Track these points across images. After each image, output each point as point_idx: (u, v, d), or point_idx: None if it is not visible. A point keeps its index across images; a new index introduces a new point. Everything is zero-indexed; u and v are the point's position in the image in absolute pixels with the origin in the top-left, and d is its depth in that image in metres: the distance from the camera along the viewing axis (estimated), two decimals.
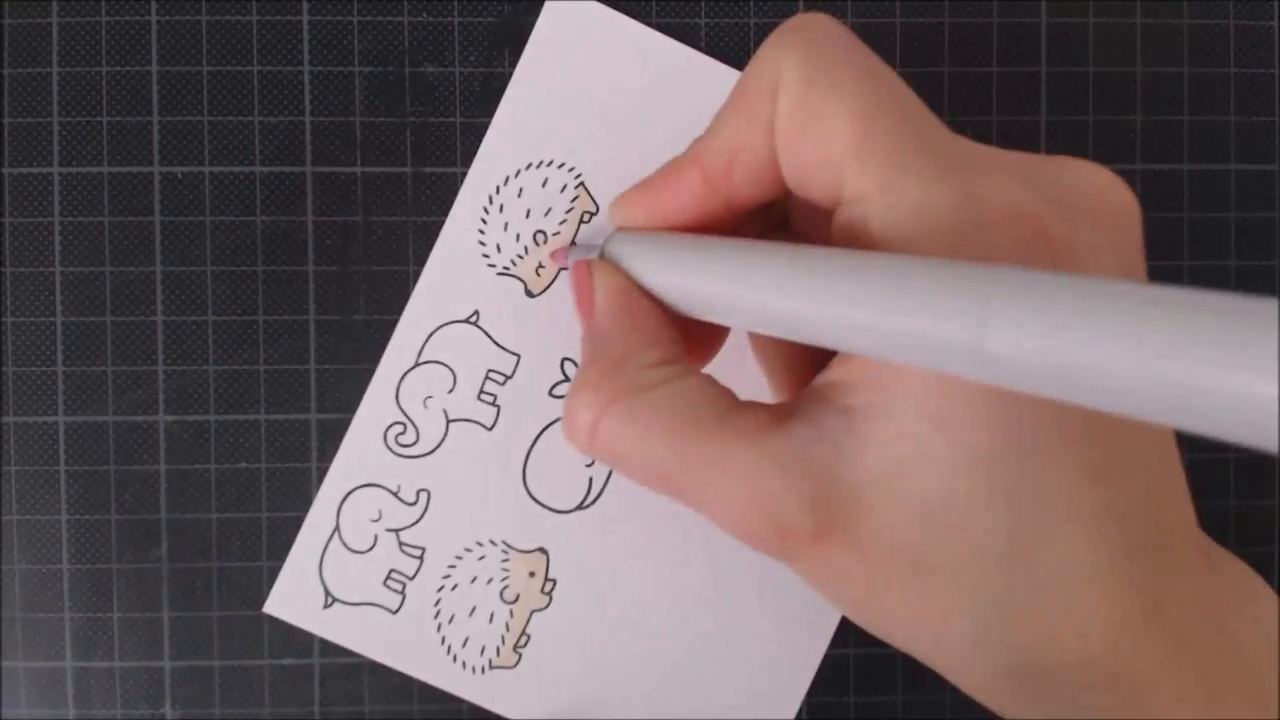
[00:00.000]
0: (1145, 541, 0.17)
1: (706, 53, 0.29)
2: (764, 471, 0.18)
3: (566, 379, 0.29)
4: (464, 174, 0.29)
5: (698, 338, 0.23)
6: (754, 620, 0.29)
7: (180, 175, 0.29)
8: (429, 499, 0.29)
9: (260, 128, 0.29)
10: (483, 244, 0.29)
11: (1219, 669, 0.17)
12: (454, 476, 0.29)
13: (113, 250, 0.29)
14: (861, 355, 0.17)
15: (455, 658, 0.29)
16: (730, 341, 0.25)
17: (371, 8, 0.29)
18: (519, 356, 0.29)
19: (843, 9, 0.29)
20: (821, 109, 0.18)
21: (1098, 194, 0.18)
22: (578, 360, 0.29)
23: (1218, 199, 0.30)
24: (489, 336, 0.29)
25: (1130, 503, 0.17)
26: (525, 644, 0.29)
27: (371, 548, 0.29)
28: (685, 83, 0.29)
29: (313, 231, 0.29)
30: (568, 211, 0.29)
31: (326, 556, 0.29)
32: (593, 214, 0.29)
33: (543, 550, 0.29)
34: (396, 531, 0.29)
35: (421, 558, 0.29)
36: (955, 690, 0.28)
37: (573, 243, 0.29)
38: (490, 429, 0.29)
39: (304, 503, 0.29)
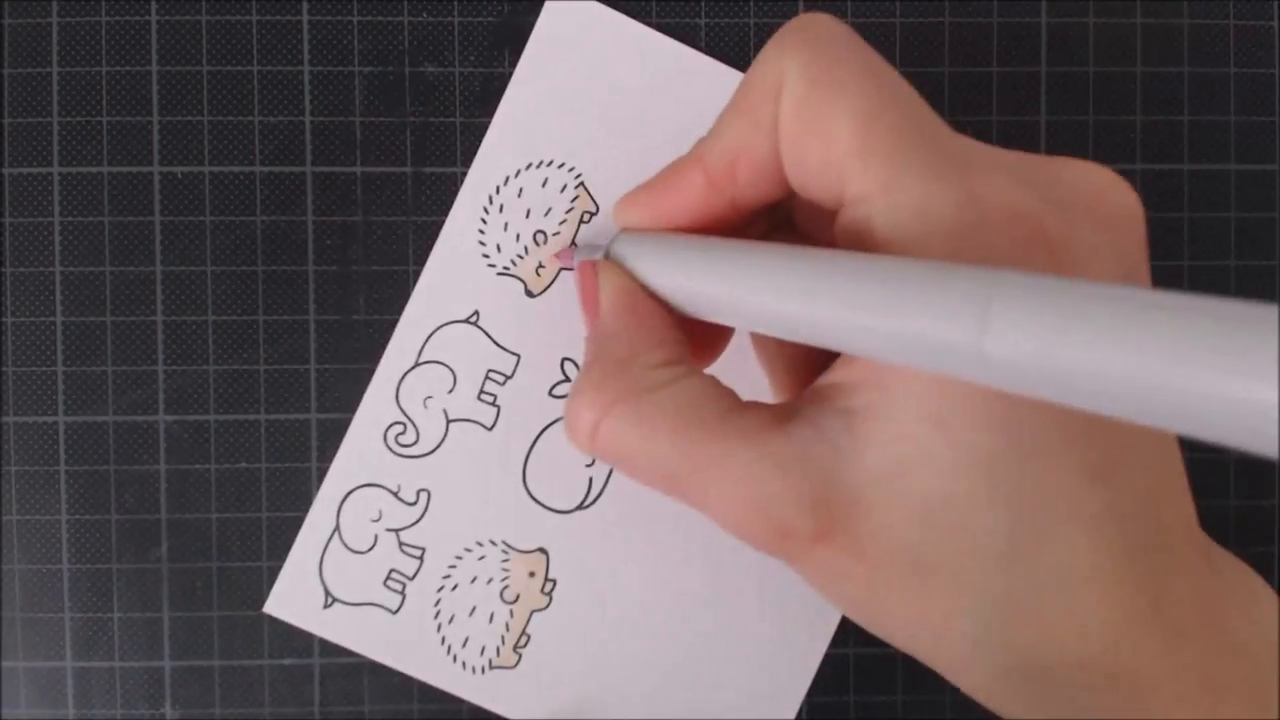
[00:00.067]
0: (1145, 542, 0.17)
1: (706, 53, 0.29)
2: (764, 472, 0.18)
3: (567, 379, 0.29)
4: (464, 174, 0.29)
5: (702, 338, 0.23)
6: (754, 620, 0.29)
7: (180, 175, 0.29)
8: (429, 499, 0.29)
9: (260, 128, 0.29)
10: (483, 244, 0.29)
11: (1219, 669, 0.17)
12: (454, 476, 0.29)
13: (113, 250, 0.29)
14: (862, 357, 0.17)
15: (455, 658, 0.29)
16: (733, 342, 0.25)
17: (371, 8, 0.29)
18: (519, 356, 0.29)
19: (843, 9, 0.29)
20: (824, 109, 0.18)
21: (1098, 194, 0.18)
22: (578, 360, 0.29)
23: (1218, 199, 0.30)
24: (489, 336, 0.29)
25: (1130, 503, 0.17)
26: (525, 644, 0.29)
27: (371, 548, 0.29)
28: (685, 83, 0.29)
29: (313, 231, 0.29)
30: (568, 211, 0.29)
31: (326, 556, 0.29)
32: (593, 214, 0.29)
33: (543, 550, 0.29)
34: (396, 531, 0.29)
35: (421, 558, 0.29)
36: (955, 690, 0.28)
37: (573, 243, 0.29)
38: (490, 429, 0.29)
39: (304, 503, 0.29)
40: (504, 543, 0.29)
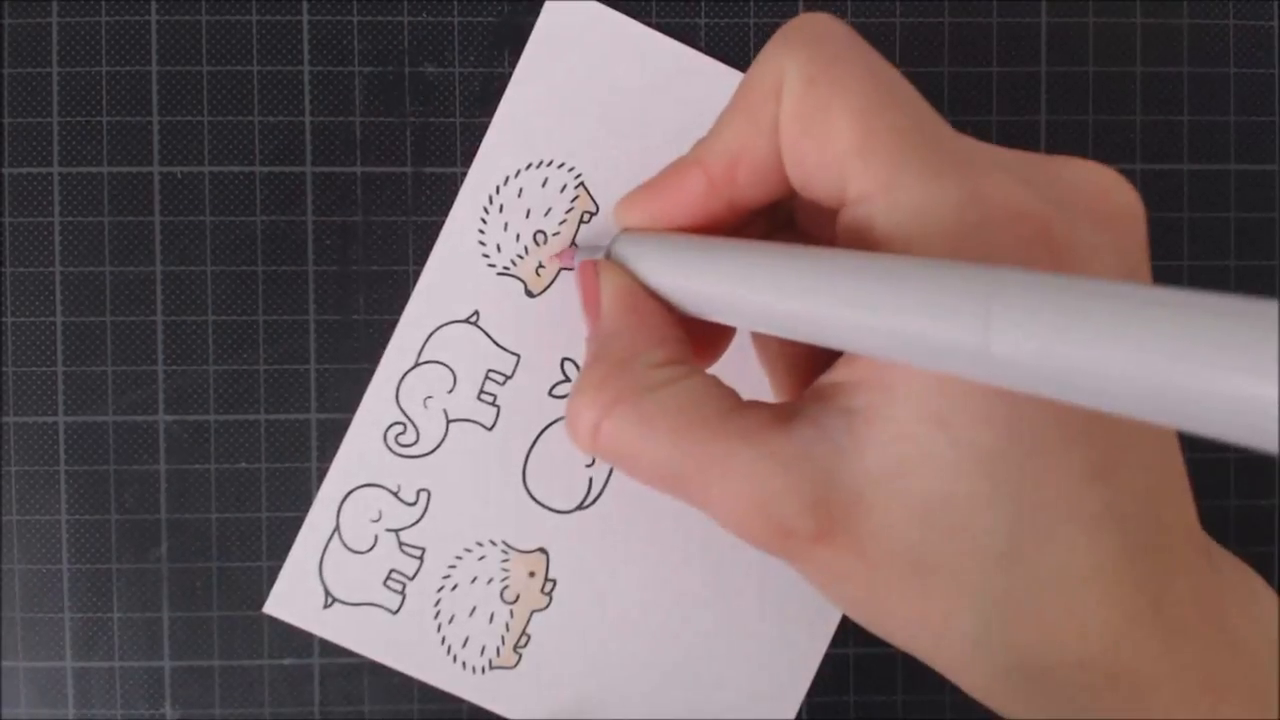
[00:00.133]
0: (1146, 541, 0.17)
1: (706, 53, 0.29)
2: (765, 471, 0.18)
3: (567, 379, 0.29)
4: (464, 174, 0.29)
5: (703, 338, 0.23)
6: (754, 620, 0.29)
7: (180, 175, 0.29)
8: (429, 499, 0.29)
9: (260, 128, 0.29)
10: (483, 244, 0.29)
11: (1220, 668, 0.17)
12: (454, 476, 0.29)
13: (113, 250, 0.29)
14: (864, 355, 0.17)
15: (455, 658, 0.29)
16: (734, 342, 0.25)
17: (371, 8, 0.29)
18: (519, 356, 0.29)
19: (842, 9, 0.29)
20: (824, 109, 0.18)
21: (1100, 193, 0.18)
22: (578, 360, 0.29)
23: (1218, 199, 0.30)
24: (489, 336, 0.29)
25: (1131, 502, 0.17)
26: (525, 644, 0.29)
27: (371, 548, 0.29)
28: (685, 83, 0.29)
29: (313, 231, 0.29)
30: (568, 211, 0.29)
31: (326, 556, 0.29)
32: (593, 214, 0.29)
33: (543, 550, 0.29)
34: (396, 531, 0.29)
35: (421, 558, 0.29)
36: (955, 690, 0.28)
37: (573, 243, 0.29)
38: (490, 429, 0.29)
39: (304, 503, 0.29)
40: (504, 543, 0.29)
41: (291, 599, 0.29)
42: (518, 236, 0.29)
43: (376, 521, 0.29)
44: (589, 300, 0.22)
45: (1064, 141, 0.29)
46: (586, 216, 0.29)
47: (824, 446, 0.18)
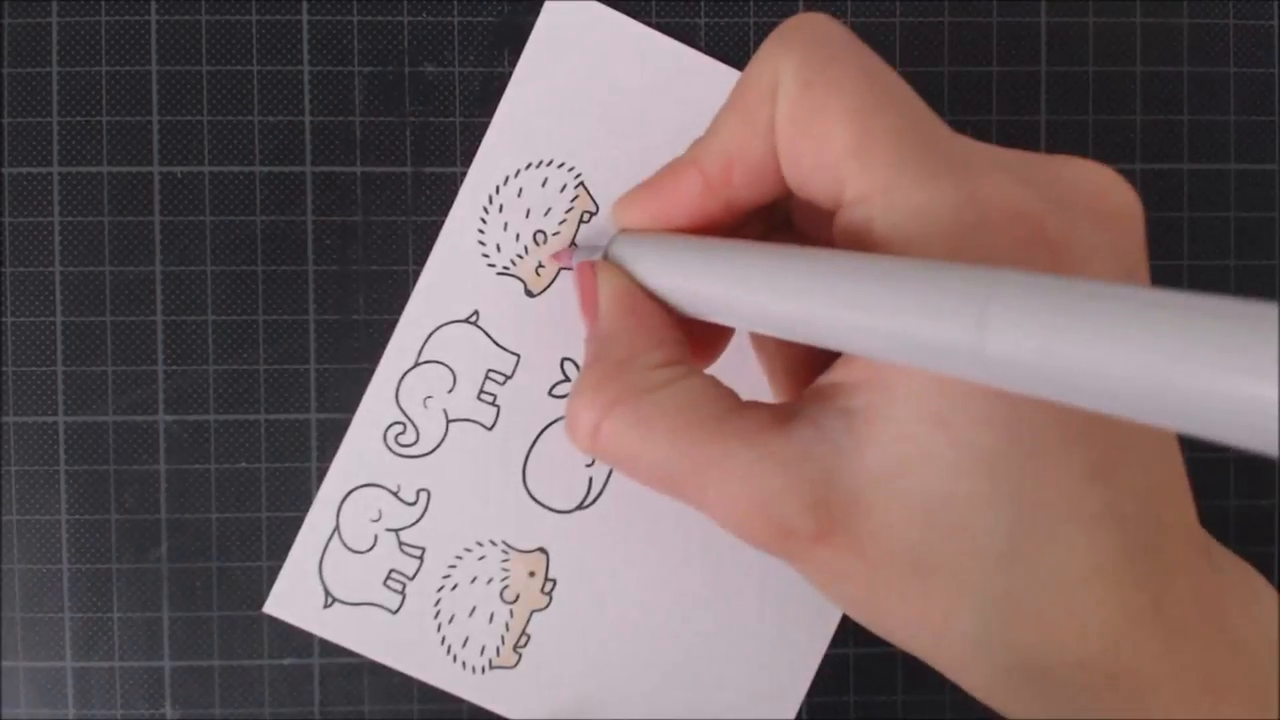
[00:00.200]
0: (1145, 541, 0.17)
1: (706, 53, 0.29)
2: (765, 472, 0.18)
3: (567, 379, 0.29)
4: (464, 174, 0.29)
5: (701, 339, 0.23)
6: (754, 620, 0.29)
7: (180, 175, 0.29)
8: (429, 499, 0.29)
9: (260, 127, 0.29)
10: (482, 244, 0.29)
11: (1220, 668, 0.17)
12: (454, 476, 0.29)
13: (112, 250, 0.29)
14: (862, 356, 0.17)
15: (455, 658, 0.29)
16: (733, 342, 0.25)
17: (371, 7, 0.29)
18: (519, 356, 0.29)
19: (842, 9, 0.29)
20: (820, 110, 0.18)
21: (1098, 193, 0.18)
22: (578, 360, 0.29)
23: (1218, 199, 0.30)
24: (489, 336, 0.29)
25: (1131, 502, 0.17)
26: (525, 644, 0.29)
27: (371, 548, 0.29)
28: (685, 83, 0.29)
29: (312, 231, 0.29)
30: (567, 211, 0.29)
31: (326, 556, 0.29)
32: (592, 214, 0.29)
33: (543, 550, 0.29)
34: (396, 531, 0.29)
35: (421, 558, 0.29)
36: (955, 690, 0.28)
37: (573, 243, 0.29)
38: (490, 429, 0.29)
39: (304, 502, 0.29)
40: (504, 543, 0.29)
41: (291, 599, 0.29)
42: (517, 236, 0.29)
43: (376, 521, 0.29)
44: (587, 301, 0.22)
45: (1064, 141, 0.29)
46: (586, 216, 0.29)
47: (823, 447, 0.18)
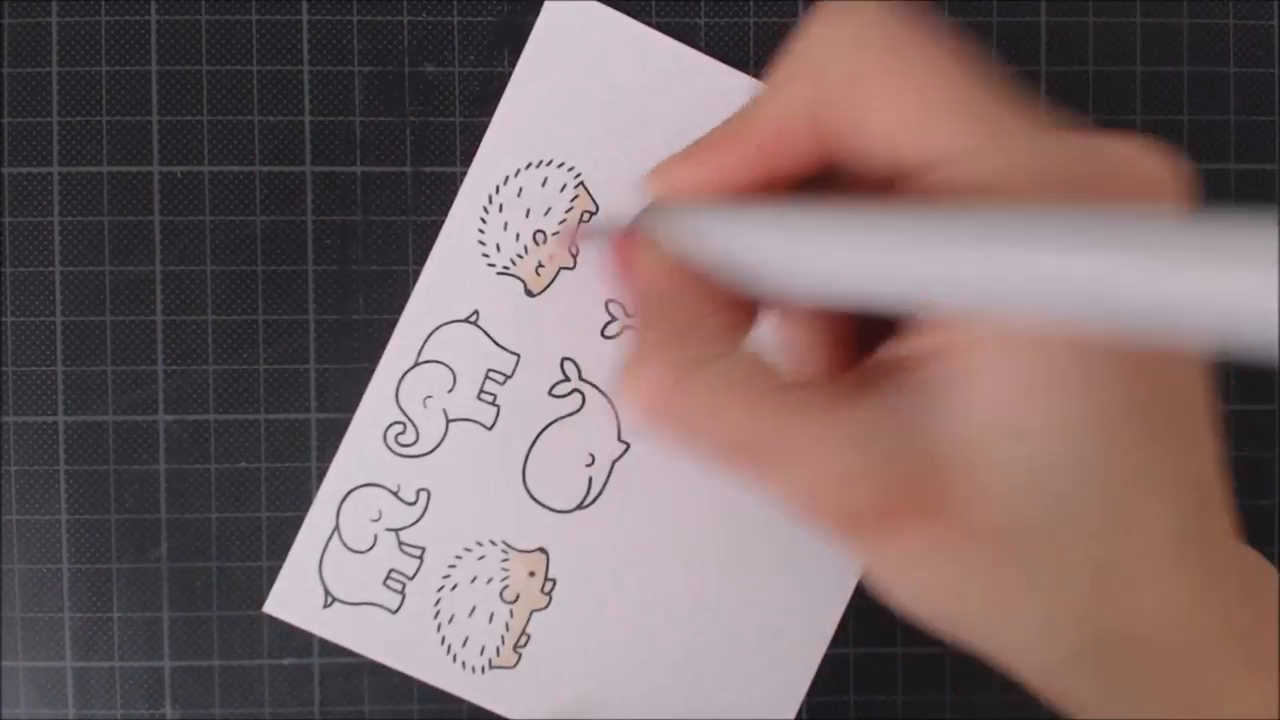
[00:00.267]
0: (1208, 512, 0.17)
1: (706, 52, 0.29)
2: (840, 447, 0.17)
3: (566, 378, 0.29)
4: (464, 173, 0.29)
5: (735, 316, 0.22)
6: (754, 620, 0.29)
7: (180, 175, 0.29)
8: (429, 499, 0.29)
9: (260, 127, 0.29)
10: (482, 243, 0.29)
11: (1264, 642, 0.17)
12: (454, 476, 0.29)
13: (112, 250, 0.29)
14: (973, 314, 0.16)
15: (455, 658, 0.29)
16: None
17: (371, 7, 0.29)
18: (519, 356, 0.29)
19: None
20: (886, 72, 0.17)
21: (1125, 163, 0.18)
22: (578, 360, 0.29)
23: (1218, 199, 0.30)
24: (488, 336, 0.29)
25: (1199, 471, 0.17)
26: (525, 644, 0.29)
27: (371, 547, 0.29)
28: (685, 82, 0.29)
29: (312, 231, 0.29)
30: (567, 211, 0.29)
31: (326, 556, 0.29)
32: (592, 213, 0.29)
33: (543, 550, 0.29)
34: (396, 531, 0.29)
35: (421, 557, 0.29)
36: (955, 690, 0.28)
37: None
38: (490, 428, 0.29)
39: (304, 502, 0.29)
40: (504, 542, 0.29)
41: (291, 599, 0.29)
42: (517, 236, 0.29)
43: (376, 521, 0.29)
44: (628, 274, 0.21)
45: None
46: (586, 216, 0.29)
47: (898, 421, 0.17)
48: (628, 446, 0.29)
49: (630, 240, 0.21)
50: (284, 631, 0.29)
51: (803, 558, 0.29)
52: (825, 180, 0.23)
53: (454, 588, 0.29)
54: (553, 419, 0.29)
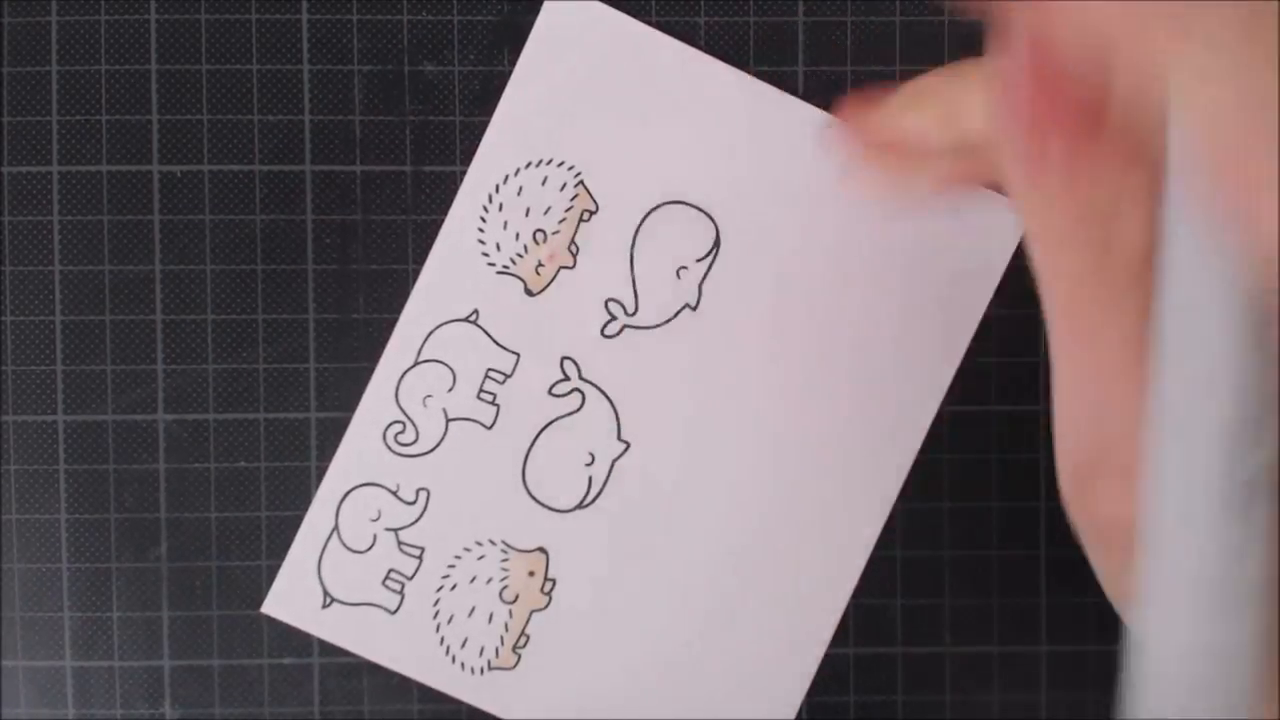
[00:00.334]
0: None
1: (707, 52, 0.29)
2: None
3: (566, 378, 0.29)
4: (464, 173, 0.29)
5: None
6: (754, 620, 0.29)
7: (179, 174, 0.29)
8: (428, 498, 0.29)
9: (259, 126, 0.29)
10: (482, 242, 0.29)
11: None
12: (453, 475, 0.29)
13: (112, 249, 0.29)
14: None
15: (454, 659, 0.29)
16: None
17: (371, 6, 0.29)
18: (518, 355, 0.29)
19: (842, 8, 0.29)
20: None
21: None
22: (578, 359, 0.29)
23: None
24: (488, 335, 0.29)
25: None
26: (525, 644, 0.29)
27: (370, 547, 0.29)
28: (686, 82, 0.29)
29: (312, 230, 0.29)
30: (567, 210, 0.29)
31: (325, 556, 0.29)
32: (593, 212, 0.29)
33: (542, 550, 0.29)
34: (395, 531, 0.29)
35: (420, 557, 0.29)
36: (955, 690, 0.28)
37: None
38: (490, 428, 0.29)
39: (304, 502, 0.29)
40: (504, 542, 0.29)
41: (290, 598, 0.29)
42: (517, 235, 0.29)
43: (376, 521, 0.29)
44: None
45: None
46: (586, 215, 0.29)
47: None
48: (627, 446, 0.29)
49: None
50: (284, 631, 0.29)
51: (803, 557, 0.29)
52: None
53: (453, 588, 0.29)
54: (552, 418, 0.29)
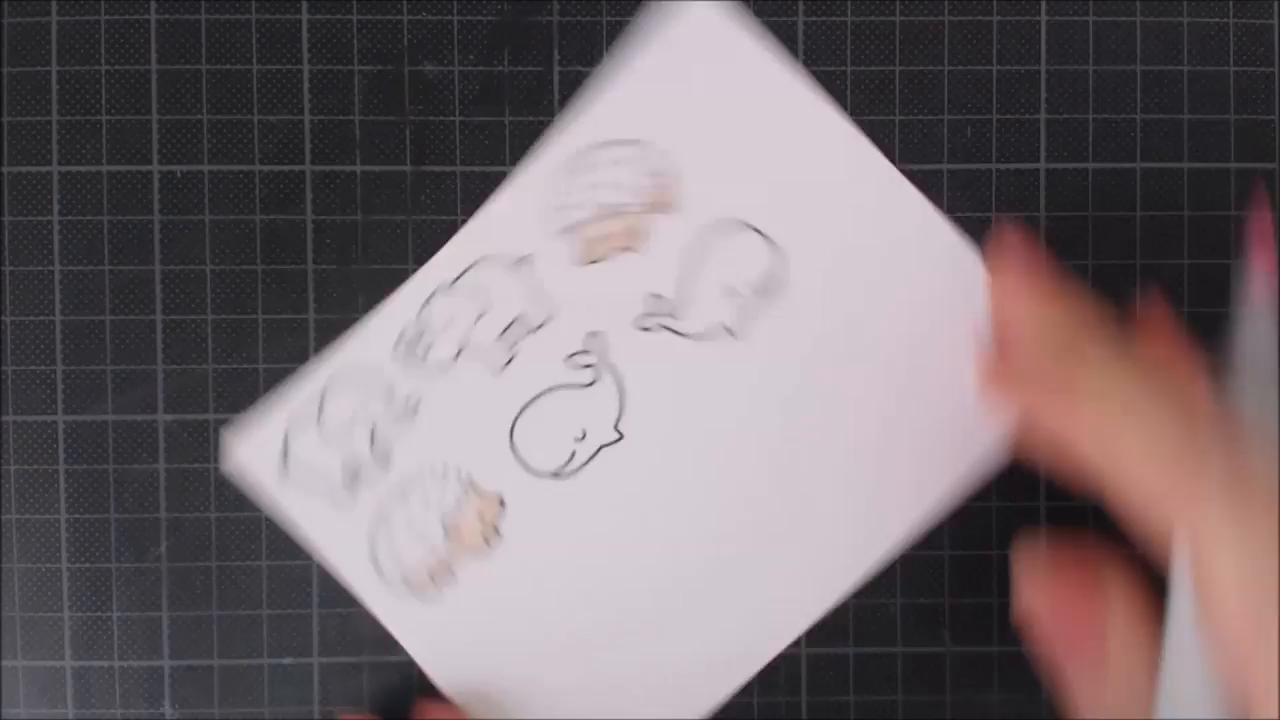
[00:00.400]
0: None
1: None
2: None
3: (587, 351, 0.29)
4: (464, 172, 0.29)
5: None
6: (694, 630, 0.29)
7: (179, 174, 0.29)
8: (417, 407, 0.28)
9: (259, 126, 0.29)
10: (558, 197, 0.28)
11: None
12: (448, 398, 0.28)
13: (112, 249, 0.29)
14: None
15: (375, 562, 0.28)
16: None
17: (371, 6, 0.29)
18: (552, 316, 0.29)
19: (842, 8, 0.29)
20: None
21: None
22: (606, 339, 0.29)
23: (1217, 199, 0.30)
24: (532, 285, 0.28)
25: None
26: (447, 580, 0.28)
27: (343, 430, 0.28)
28: (792, 118, 0.29)
29: (312, 230, 0.29)
30: (648, 197, 0.28)
31: (298, 425, 0.28)
32: (668, 208, 0.28)
33: (501, 501, 0.29)
34: (373, 425, 0.28)
35: (387, 458, 0.28)
36: (955, 690, 0.28)
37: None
38: (500, 370, 0.29)
39: None
40: (469, 476, 0.29)
41: (250, 454, 0.28)
42: (594, 202, 0.28)
43: (359, 408, 0.28)
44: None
45: (1064, 140, 0.29)
46: (663, 208, 0.29)
47: None
48: (621, 437, 0.29)
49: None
50: (283, 631, 0.29)
51: (768, 594, 0.29)
52: None
53: (403, 496, 0.28)
54: (561, 384, 0.29)
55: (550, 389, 0.29)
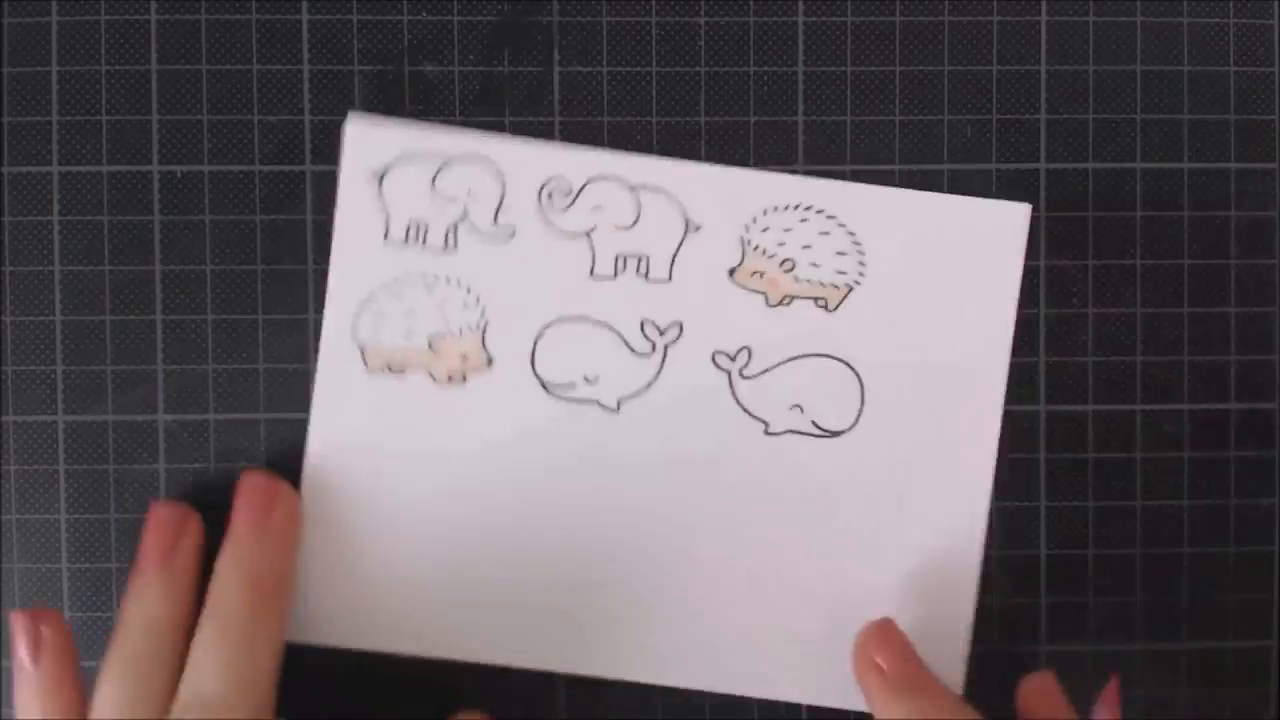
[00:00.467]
0: None
1: (705, 51, 0.29)
2: None
3: (661, 332, 0.29)
4: None
5: None
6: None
7: (179, 174, 0.29)
8: (512, 237, 0.28)
9: (259, 126, 0.29)
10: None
11: None
12: (537, 266, 0.28)
13: (112, 249, 0.29)
14: None
15: (356, 332, 0.29)
16: None
17: (371, 6, 0.29)
18: (676, 295, 0.29)
19: (842, 8, 0.29)
20: None
21: None
22: (684, 329, 0.29)
23: (1218, 199, 0.30)
24: (654, 273, 0.29)
25: None
26: (396, 377, 0.28)
27: (443, 202, 0.28)
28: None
29: (312, 230, 0.29)
30: (837, 272, 0.29)
31: (403, 164, 0.28)
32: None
33: (490, 361, 0.29)
34: (463, 215, 0.28)
35: (449, 249, 0.28)
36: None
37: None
38: (587, 274, 0.29)
39: None
40: (483, 321, 0.29)
41: (359, 147, 0.28)
42: (778, 244, 0.29)
43: (460, 197, 0.28)
44: None
45: (1064, 140, 0.29)
46: (844, 288, 0.29)
47: None
48: (617, 417, 0.29)
49: None
50: None
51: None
52: None
53: (431, 285, 0.28)
54: (612, 324, 0.29)
55: (605, 324, 0.29)
